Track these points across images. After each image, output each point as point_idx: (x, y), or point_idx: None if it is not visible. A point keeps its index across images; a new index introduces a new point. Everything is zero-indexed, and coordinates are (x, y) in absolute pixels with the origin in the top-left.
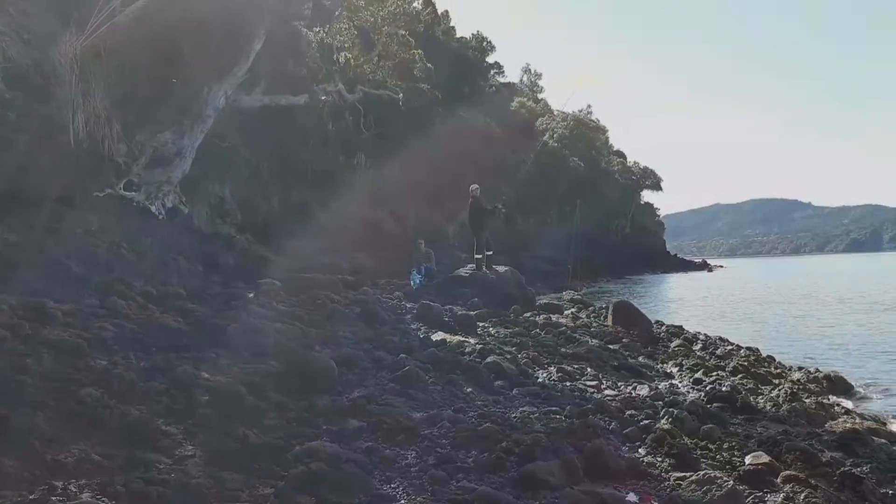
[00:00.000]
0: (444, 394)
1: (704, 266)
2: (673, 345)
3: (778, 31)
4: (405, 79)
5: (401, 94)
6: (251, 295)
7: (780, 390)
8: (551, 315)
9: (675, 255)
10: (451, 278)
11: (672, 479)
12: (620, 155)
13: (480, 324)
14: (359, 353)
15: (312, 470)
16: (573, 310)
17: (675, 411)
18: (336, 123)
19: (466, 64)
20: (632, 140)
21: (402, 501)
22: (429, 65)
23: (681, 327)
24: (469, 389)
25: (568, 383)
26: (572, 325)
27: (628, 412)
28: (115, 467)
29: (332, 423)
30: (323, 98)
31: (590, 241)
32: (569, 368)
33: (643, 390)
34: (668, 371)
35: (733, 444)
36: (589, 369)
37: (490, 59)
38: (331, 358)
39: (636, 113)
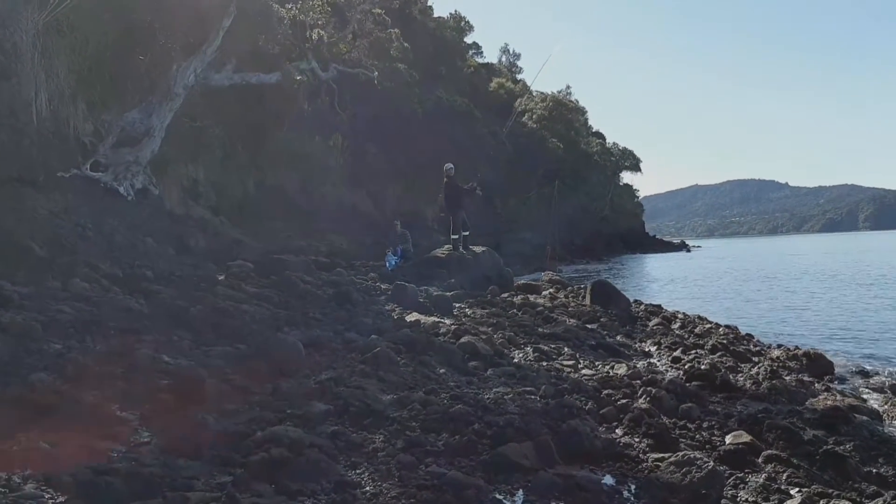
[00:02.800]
0: (415, 375)
1: (683, 247)
2: (651, 324)
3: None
4: (381, 58)
5: (376, 73)
6: (221, 277)
7: (759, 368)
8: (529, 295)
9: (654, 236)
10: (428, 259)
11: (650, 460)
12: (599, 136)
13: (457, 305)
14: (329, 335)
15: (273, 456)
16: (551, 290)
17: (654, 390)
18: (311, 104)
19: (444, 44)
20: (611, 119)
21: (368, 487)
22: (405, 44)
23: (659, 307)
24: (442, 370)
25: (544, 363)
26: (550, 305)
27: (605, 392)
28: (65, 456)
29: (298, 407)
30: (298, 77)
31: (569, 223)
32: (545, 348)
33: (621, 369)
34: (647, 350)
35: (713, 423)
36: (566, 349)
37: (468, 39)
38: (299, 340)
39: (616, 90)
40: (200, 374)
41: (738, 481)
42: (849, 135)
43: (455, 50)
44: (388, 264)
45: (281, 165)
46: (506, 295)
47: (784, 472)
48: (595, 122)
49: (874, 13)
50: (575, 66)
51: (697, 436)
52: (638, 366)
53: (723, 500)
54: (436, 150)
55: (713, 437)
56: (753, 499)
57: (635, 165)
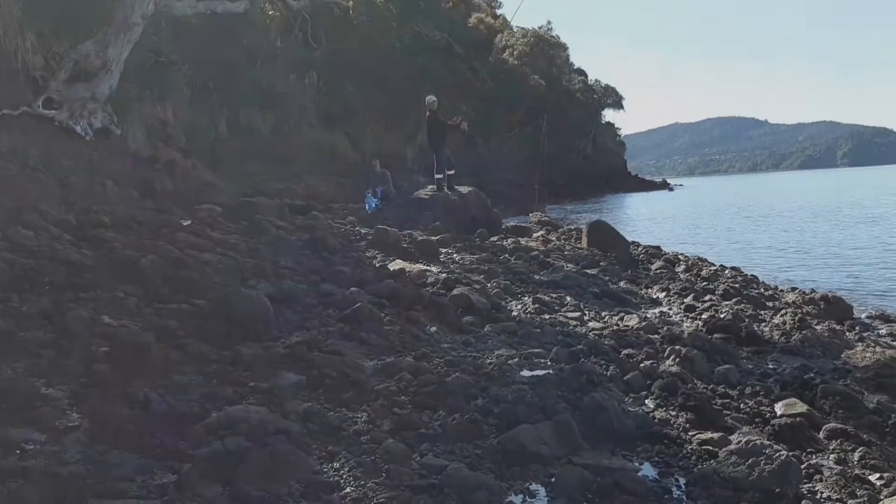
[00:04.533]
0: (403, 336)
1: (665, 186)
2: (654, 267)
3: None
4: None
5: (351, 2)
6: (186, 222)
7: (784, 316)
8: (520, 238)
9: (636, 175)
10: (410, 200)
11: (695, 441)
12: (581, 73)
13: (443, 250)
14: (302, 288)
15: (228, 448)
16: (542, 232)
17: (683, 350)
18: (284, 40)
19: None
20: (590, 57)
21: (347, 489)
22: None
23: (658, 248)
24: (433, 329)
25: (546, 316)
26: (544, 248)
27: (625, 351)
28: None
29: (263, 379)
30: (270, 11)
31: (551, 163)
32: (546, 298)
33: (632, 321)
34: (655, 297)
35: (757, 388)
36: (568, 298)
37: None
38: (267, 294)
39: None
40: (146, 339)
41: (810, 469)
42: (828, 72)
43: None
44: (367, 207)
45: (254, 105)
46: (495, 238)
47: (854, 450)
48: (576, 60)
49: None
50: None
51: (742, 406)
52: (649, 316)
53: (803, 501)
54: (415, 87)
55: (761, 408)
56: (837, 496)
57: (618, 103)
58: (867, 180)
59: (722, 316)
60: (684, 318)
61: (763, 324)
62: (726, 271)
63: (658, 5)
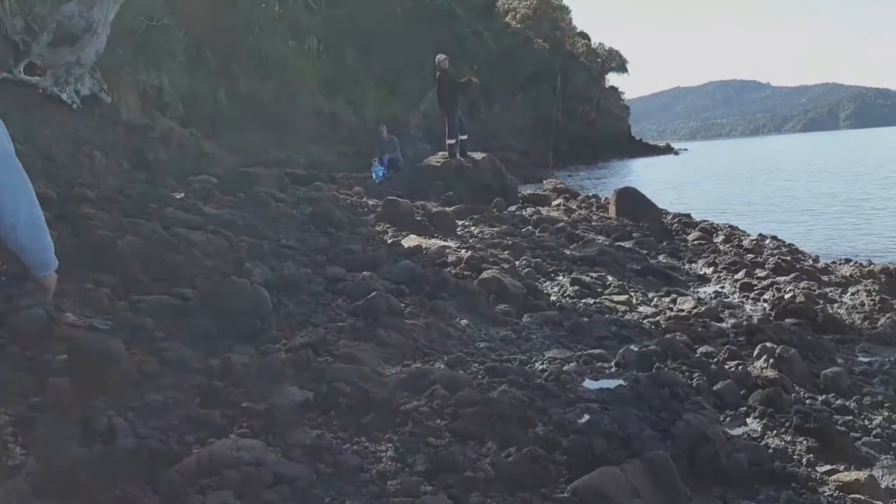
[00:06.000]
0: (429, 332)
1: (669, 150)
2: (691, 238)
3: None
4: None
5: None
6: (179, 195)
7: (859, 295)
8: (540, 208)
9: (640, 140)
10: (420, 168)
11: (831, 483)
12: (584, 36)
13: (459, 222)
14: (306, 272)
15: None
16: (561, 200)
17: (777, 348)
18: (283, 4)
19: None
20: (591, 20)
21: None
22: None
23: (689, 216)
24: (464, 322)
25: (590, 301)
26: (569, 219)
27: (701, 349)
28: None
29: (258, 396)
30: None
31: (556, 128)
32: (585, 279)
33: (686, 303)
34: (702, 273)
35: (878, 398)
36: (610, 278)
37: None
38: (265, 281)
39: None
40: (115, 345)
41: None
42: (831, 32)
43: None
44: (374, 176)
45: (253, 73)
46: (513, 208)
47: None
48: (578, 23)
49: None
50: None
51: (869, 424)
52: (703, 296)
53: None
54: (417, 53)
55: (892, 426)
56: None
57: (622, 66)
58: (884, 141)
59: (788, 296)
60: (745, 300)
61: (836, 304)
62: (767, 241)
63: None
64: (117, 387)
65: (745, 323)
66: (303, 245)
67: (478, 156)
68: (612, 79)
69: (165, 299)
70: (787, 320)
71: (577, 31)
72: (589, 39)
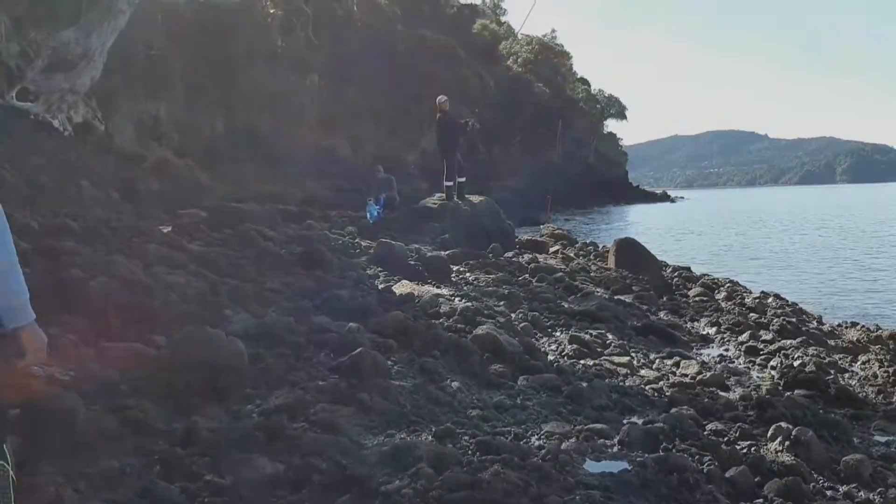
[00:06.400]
0: (417, 395)
1: (666, 197)
2: (692, 294)
3: None
4: None
5: (354, 4)
6: (166, 229)
7: (871, 366)
8: (537, 255)
9: (637, 186)
10: (417, 209)
11: None
12: (585, 82)
13: (454, 267)
14: (289, 321)
15: None
16: (559, 247)
17: (793, 430)
18: (286, 39)
19: None
20: (591, 67)
21: None
22: None
23: (689, 269)
24: (455, 384)
25: (590, 361)
26: (567, 268)
27: (710, 426)
28: None
29: (225, 468)
30: (271, 9)
31: (554, 171)
32: (585, 337)
33: (690, 367)
34: (705, 333)
35: None
36: (610, 336)
37: None
38: (244, 329)
39: (597, 39)
40: (71, 402)
41: None
42: (829, 88)
43: None
44: (368, 215)
45: (253, 105)
46: (510, 254)
47: None
48: (579, 69)
49: None
50: (557, 13)
51: None
52: (707, 360)
53: None
54: (418, 92)
55: None
56: None
57: (621, 113)
58: (884, 197)
59: (797, 363)
60: (751, 365)
61: (847, 374)
62: (770, 299)
63: (660, 20)
64: (71, 449)
65: (754, 395)
66: (288, 288)
67: (475, 199)
68: (611, 125)
69: (136, 347)
70: (796, 391)
71: (578, 76)
72: (589, 85)
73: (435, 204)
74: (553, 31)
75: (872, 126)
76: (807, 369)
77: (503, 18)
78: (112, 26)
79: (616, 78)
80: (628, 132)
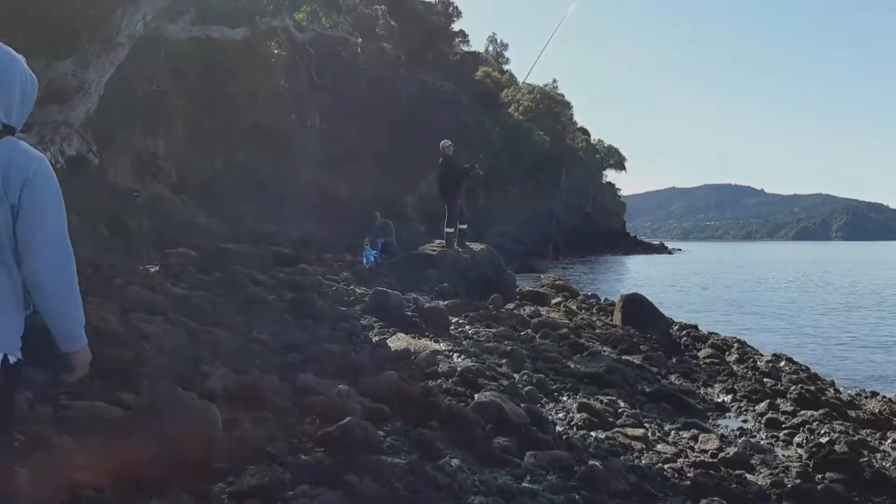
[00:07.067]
0: (412, 477)
1: (664, 249)
2: (702, 355)
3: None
4: (366, 36)
5: (360, 40)
6: (153, 268)
7: None
8: (539, 307)
9: (635, 237)
10: (415, 256)
11: None
12: (584, 132)
13: (453, 319)
14: (272, 379)
15: None
16: (560, 299)
17: None
18: (289, 79)
19: (431, 28)
20: (590, 118)
21: None
22: (392, 23)
23: (696, 327)
24: (455, 462)
25: (602, 434)
26: (571, 324)
27: None
28: None
29: None
30: (275, 48)
31: (551, 220)
32: (595, 405)
33: (709, 442)
34: (720, 401)
35: None
36: (621, 403)
37: (455, 26)
38: (223, 388)
39: (594, 91)
40: (11, 473)
41: None
42: (825, 145)
43: (442, 36)
44: (365, 261)
45: (253, 144)
46: (511, 306)
47: None
48: (579, 119)
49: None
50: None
51: None
52: (727, 433)
53: None
54: (420, 136)
55: None
56: None
57: (620, 164)
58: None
59: (824, 440)
60: (773, 441)
61: (878, 455)
62: (782, 363)
63: (658, 72)
64: None
65: (787, 481)
66: (276, 340)
67: (476, 247)
68: (610, 175)
69: (98, 408)
70: (828, 473)
71: (578, 126)
72: (589, 135)
73: (434, 250)
74: (554, 80)
75: (867, 184)
76: (838, 449)
77: (505, 67)
78: (111, 59)
79: (615, 128)
80: (626, 182)
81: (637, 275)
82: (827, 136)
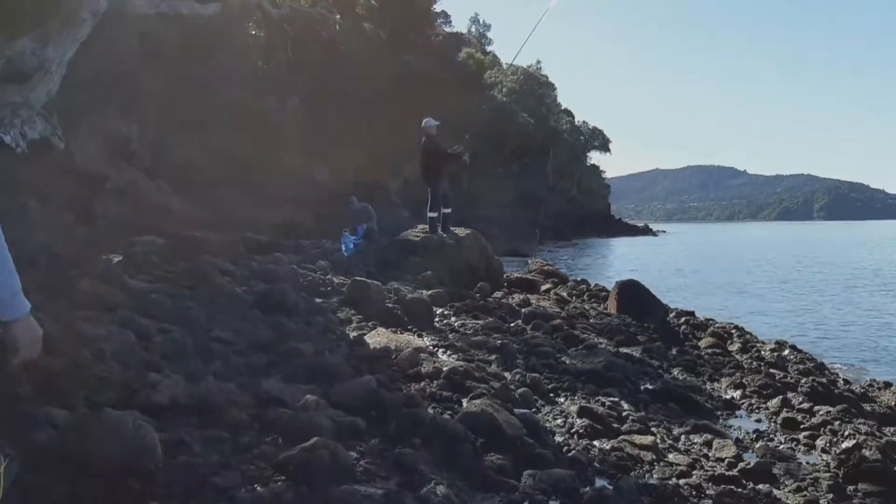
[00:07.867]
0: None
1: (648, 231)
2: (703, 345)
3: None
4: (346, 15)
5: (338, 17)
6: (116, 258)
7: None
8: (528, 296)
9: (620, 219)
10: (397, 243)
11: None
12: (569, 114)
13: (438, 310)
14: (229, 388)
15: None
16: (549, 285)
17: None
18: (267, 61)
19: (412, 9)
20: (574, 99)
21: None
22: (373, 1)
23: (693, 314)
24: (441, 489)
25: (607, 444)
26: (563, 313)
27: None
28: None
29: None
30: (247, 21)
31: (537, 202)
32: (597, 409)
33: (724, 449)
34: (729, 398)
35: None
36: (625, 405)
37: (437, 7)
38: (173, 398)
39: (579, 72)
40: None
41: None
42: (807, 125)
43: (423, 17)
44: (343, 248)
45: (231, 127)
46: (499, 294)
47: None
48: (563, 100)
49: (834, 4)
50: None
51: None
52: (742, 437)
53: None
54: (402, 118)
55: None
56: None
57: (604, 145)
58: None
59: (849, 443)
60: (794, 445)
61: None
62: (786, 351)
63: (642, 53)
64: None
65: (818, 498)
66: (240, 338)
67: (461, 232)
68: (594, 157)
69: (24, 437)
70: (860, 485)
71: (562, 107)
72: (573, 117)
73: (417, 237)
74: (538, 62)
75: (849, 164)
76: (869, 455)
77: (489, 48)
78: (73, 36)
79: (598, 109)
80: (610, 164)
81: (624, 258)
82: (810, 116)
